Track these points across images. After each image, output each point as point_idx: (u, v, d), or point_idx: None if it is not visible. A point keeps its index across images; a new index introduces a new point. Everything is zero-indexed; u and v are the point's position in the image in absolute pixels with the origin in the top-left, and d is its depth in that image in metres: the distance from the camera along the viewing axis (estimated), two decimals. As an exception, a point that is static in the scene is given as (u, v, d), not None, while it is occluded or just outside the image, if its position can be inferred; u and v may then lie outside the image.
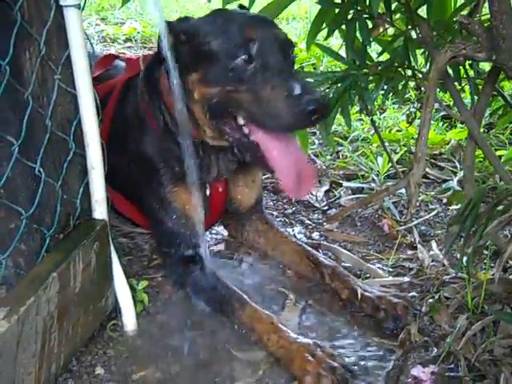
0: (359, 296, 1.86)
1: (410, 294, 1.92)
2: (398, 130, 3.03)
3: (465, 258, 1.61)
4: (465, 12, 1.76)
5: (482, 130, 2.89)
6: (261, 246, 2.18)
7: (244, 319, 1.79)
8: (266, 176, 2.67)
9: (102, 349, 1.72)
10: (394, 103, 3.24)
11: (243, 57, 1.65)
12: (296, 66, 3.76)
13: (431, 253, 2.15)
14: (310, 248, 2.07)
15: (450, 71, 1.81)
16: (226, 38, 1.68)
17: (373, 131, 2.74)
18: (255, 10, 1.80)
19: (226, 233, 2.30)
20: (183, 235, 1.96)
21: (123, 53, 2.64)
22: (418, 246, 2.17)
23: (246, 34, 1.67)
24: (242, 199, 2.14)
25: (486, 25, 1.51)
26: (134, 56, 2.41)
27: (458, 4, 1.82)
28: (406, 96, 3.36)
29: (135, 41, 4.81)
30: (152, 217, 2.06)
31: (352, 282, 1.91)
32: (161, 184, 1.96)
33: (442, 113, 3.13)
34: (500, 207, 1.29)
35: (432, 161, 2.82)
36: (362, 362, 1.69)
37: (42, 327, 1.44)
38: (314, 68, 3.88)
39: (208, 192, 1.99)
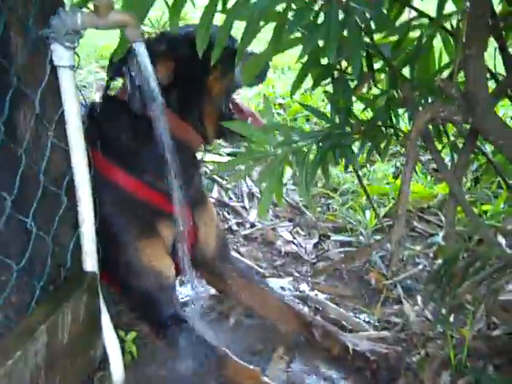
0: (351, 351, 1.88)
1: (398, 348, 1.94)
2: (387, 183, 3.08)
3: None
4: (446, 73, 1.83)
5: (468, 184, 2.95)
6: (247, 301, 2.16)
7: (229, 374, 1.80)
8: (255, 228, 2.72)
9: (89, 401, 1.73)
10: (382, 161, 3.29)
11: None
12: (289, 118, 3.86)
13: (416, 308, 2.17)
14: (296, 306, 2.07)
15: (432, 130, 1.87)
16: None
17: (361, 186, 2.78)
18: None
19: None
20: (156, 292, 1.95)
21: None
22: (403, 301, 2.20)
23: None
24: (205, 240, 2.12)
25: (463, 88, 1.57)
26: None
27: (440, 65, 1.88)
28: (395, 149, 3.44)
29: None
30: (120, 278, 2.02)
31: (342, 339, 1.92)
32: (124, 241, 1.96)
33: (432, 165, 3.18)
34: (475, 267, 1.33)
35: (419, 214, 2.86)
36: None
37: (29, 380, 1.46)
38: (307, 119, 3.93)
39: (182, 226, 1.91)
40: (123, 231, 1.93)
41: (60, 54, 1.51)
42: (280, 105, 4.28)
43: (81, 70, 2.66)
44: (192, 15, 3.52)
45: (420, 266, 2.46)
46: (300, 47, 1.41)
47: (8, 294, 1.52)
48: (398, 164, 3.23)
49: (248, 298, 2.16)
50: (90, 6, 1.49)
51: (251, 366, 1.79)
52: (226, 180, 3.08)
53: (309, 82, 1.77)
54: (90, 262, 1.75)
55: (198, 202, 2.08)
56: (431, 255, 2.53)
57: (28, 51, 1.45)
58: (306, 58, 1.72)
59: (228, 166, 1.84)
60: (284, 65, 5.37)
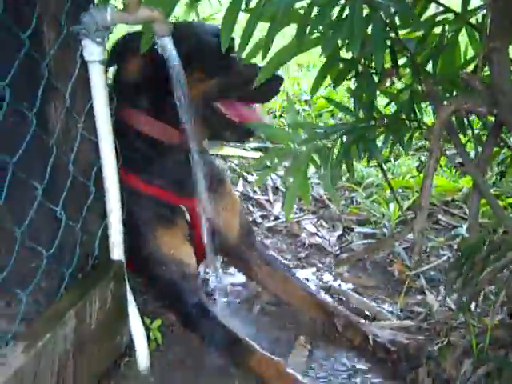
0: (371, 342, 1.90)
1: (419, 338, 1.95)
2: (411, 177, 3.09)
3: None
4: (471, 68, 1.84)
5: (494, 177, 2.94)
6: (271, 288, 2.20)
7: (252, 365, 1.83)
8: (280, 220, 2.75)
9: (115, 385, 1.78)
10: (406, 154, 3.30)
11: None
12: (315, 114, 3.88)
13: (439, 298, 2.19)
14: (320, 296, 2.10)
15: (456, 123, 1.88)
16: None
17: (385, 179, 2.80)
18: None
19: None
20: (179, 281, 1.99)
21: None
22: (426, 291, 2.21)
23: None
24: (226, 227, 2.15)
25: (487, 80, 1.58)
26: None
27: (465, 59, 1.89)
28: (419, 144, 3.45)
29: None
30: (144, 269, 2.07)
31: (364, 329, 1.94)
32: (142, 233, 2.01)
33: (457, 159, 3.18)
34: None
35: (444, 207, 2.87)
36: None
37: (57, 362, 1.51)
38: (332, 115, 3.96)
39: (188, 216, 2.01)
40: (143, 223, 1.99)
41: (90, 50, 1.55)
42: (306, 101, 4.30)
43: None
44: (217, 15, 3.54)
45: (444, 258, 2.47)
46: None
47: (38, 280, 1.57)
48: (422, 158, 3.23)
49: (272, 285, 2.19)
50: (118, 3, 1.53)
51: (275, 357, 1.81)
52: (252, 174, 3.11)
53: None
54: (117, 252, 1.79)
55: (212, 193, 2.06)
56: (455, 247, 2.54)
57: (60, 46, 1.49)
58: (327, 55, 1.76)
59: (256, 163, 1.87)
60: (309, 62, 5.40)
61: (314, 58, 5.37)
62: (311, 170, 1.89)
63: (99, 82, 1.59)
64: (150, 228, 1.99)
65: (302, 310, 2.10)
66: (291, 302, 2.14)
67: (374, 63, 1.72)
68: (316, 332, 2.04)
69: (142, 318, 1.88)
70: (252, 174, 3.07)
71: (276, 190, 3.04)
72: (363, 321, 2.00)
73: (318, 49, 1.56)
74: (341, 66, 1.76)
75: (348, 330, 1.96)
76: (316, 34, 1.53)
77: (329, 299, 2.12)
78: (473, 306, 2.03)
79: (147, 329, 1.91)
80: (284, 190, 3.04)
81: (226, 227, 2.17)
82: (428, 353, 1.86)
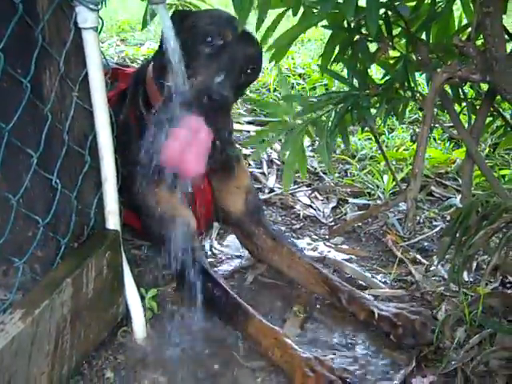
0: (376, 316, 1.90)
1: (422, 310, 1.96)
2: (405, 149, 3.10)
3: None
4: (465, 35, 1.84)
5: (487, 149, 2.96)
6: (275, 263, 2.20)
7: (250, 332, 1.85)
8: (274, 193, 2.76)
9: (112, 354, 1.79)
10: (401, 123, 3.31)
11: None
12: (309, 87, 3.89)
13: (432, 268, 2.21)
14: (324, 271, 2.09)
15: (450, 92, 1.89)
16: None
17: (380, 150, 2.81)
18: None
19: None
20: (175, 238, 1.99)
21: (127, 66, 2.71)
22: (408, 263, 2.25)
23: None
24: (229, 205, 2.18)
25: (482, 48, 1.58)
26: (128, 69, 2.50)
27: (459, 27, 1.89)
28: (415, 116, 3.45)
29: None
30: (144, 224, 2.14)
31: (368, 304, 1.95)
32: (144, 186, 2.05)
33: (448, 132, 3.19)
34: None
35: (437, 179, 2.88)
36: (365, 375, 1.75)
37: (55, 329, 1.52)
38: (327, 89, 3.95)
39: (190, 188, 2.00)
40: (143, 174, 2.01)
41: (84, 16, 1.54)
42: (300, 75, 4.30)
43: (102, 43, 2.69)
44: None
45: (437, 229, 2.49)
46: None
47: (34, 249, 1.58)
48: (417, 130, 3.23)
49: (277, 259, 2.19)
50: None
51: (274, 326, 1.83)
52: (246, 147, 3.10)
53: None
54: (113, 221, 1.80)
55: (218, 170, 2.11)
56: (448, 218, 2.55)
57: (53, 12, 1.48)
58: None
59: (253, 139, 1.88)
60: (303, 37, 5.39)
61: (309, 32, 5.36)
62: (305, 142, 1.89)
63: (93, 49, 1.58)
64: (152, 187, 2.04)
65: (307, 284, 2.11)
66: (295, 277, 2.15)
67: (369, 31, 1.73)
68: (311, 303, 2.06)
69: (138, 289, 1.89)
70: (247, 148, 3.06)
71: (271, 163, 3.05)
72: (367, 296, 2.00)
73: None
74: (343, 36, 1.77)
75: (352, 304, 1.96)
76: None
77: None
78: (465, 275, 2.06)
79: (143, 298, 1.92)
80: (278, 163, 3.05)
81: (231, 201, 2.19)
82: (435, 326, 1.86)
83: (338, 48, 1.80)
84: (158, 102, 1.93)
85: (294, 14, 1.58)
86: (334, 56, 1.81)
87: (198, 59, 1.85)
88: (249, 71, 1.91)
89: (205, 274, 1.98)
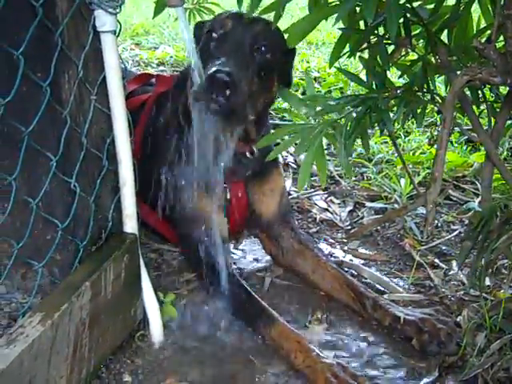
0: (402, 320, 1.88)
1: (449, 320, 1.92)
2: (421, 153, 3.08)
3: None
4: (484, 37, 1.82)
5: (505, 153, 2.94)
6: (300, 268, 2.19)
7: (273, 335, 1.84)
8: (290, 197, 2.75)
9: (130, 358, 1.79)
10: (419, 127, 3.29)
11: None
12: (324, 90, 3.88)
13: (451, 272, 2.19)
14: (349, 277, 2.08)
15: (469, 94, 1.87)
16: None
17: (397, 154, 2.80)
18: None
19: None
20: (208, 243, 2.03)
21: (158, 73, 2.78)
22: (427, 267, 2.23)
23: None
24: (262, 208, 2.19)
25: (502, 51, 1.57)
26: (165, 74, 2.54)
27: (477, 29, 1.87)
28: (431, 120, 3.43)
29: (168, 64, 4.94)
30: (178, 226, 2.15)
31: (393, 310, 1.93)
32: (184, 190, 2.06)
33: (466, 136, 3.17)
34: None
35: (455, 183, 2.86)
36: (386, 382, 1.74)
37: (74, 333, 1.52)
38: (342, 92, 3.95)
39: (228, 195, 2.07)
40: (185, 178, 2.06)
41: (103, 20, 1.55)
42: (315, 78, 4.29)
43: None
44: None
45: (455, 233, 2.47)
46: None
47: (53, 252, 1.58)
48: (435, 132, 3.22)
49: (302, 263, 2.18)
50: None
51: (296, 331, 1.82)
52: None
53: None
54: (130, 224, 1.80)
55: (255, 175, 2.14)
56: (466, 222, 2.53)
57: (72, 16, 1.48)
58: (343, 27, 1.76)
59: (271, 138, 1.87)
60: (318, 40, 5.40)
61: (323, 35, 5.36)
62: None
63: (112, 52, 1.59)
64: (190, 191, 2.05)
65: (332, 290, 2.09)
66: (319, 283, 2.13)
67: (387, 33, 1.71)
68: (330, 308, 2.04)
69: (155, 292, 1.89)
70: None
71: (286, 166, 3.04)
72: (390, 303, 1.98)
73: (328, 27, 1.57)
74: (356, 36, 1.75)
75: (377, 310, 1.95)
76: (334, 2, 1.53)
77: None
78: (487, 280, 2.04)
79: (161, 303, 1.92)
80: (294, 166, 3.04)
81: (264, 204, 2.20)
82: (461, 339, 1.83)
83: (348, 47, 1.79)
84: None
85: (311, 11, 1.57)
86: (342, 54, 1.80)
87: (208, 54, 1.86)
88: (263, 49, 1.88)
89: (231, 278, 2.00)
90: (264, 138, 1.89)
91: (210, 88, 1.72)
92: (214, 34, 1.89)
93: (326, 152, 3.01)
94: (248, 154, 2.06)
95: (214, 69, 1.72)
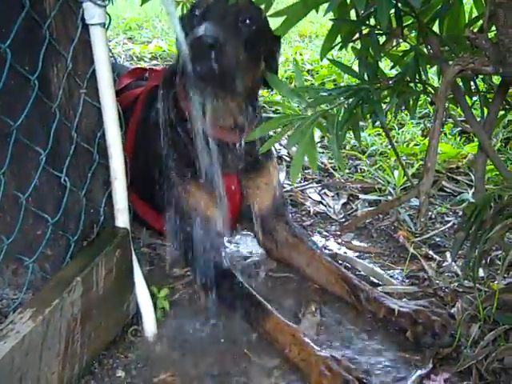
0: (396, 312, 1.87)
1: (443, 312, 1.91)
2: (415, 144, 3.08)
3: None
4: (476, 27, 1.81)
5: (499, 144, 2.93)
6: (294, 261, 2.18)
7: (267, 329, 1.83)
8: (284, 190, 2.74)
9: (123, 353, 1.78)
10: (412, 118, 3.29)
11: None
12: (317, 83, 3.87)
13: (445, 264, 2.19)
14: (344, 271, 2.07)
15: (461, 85, 1.86)
16: None
17: (390, 145, 2.79)
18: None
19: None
20: (203, 236, 2.02)
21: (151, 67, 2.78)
22: (421, 259, 2.23)
23: None
24: (256, 202, 2.17)
25: (494, 40, 1.56)
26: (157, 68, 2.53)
27: (469, 19, 1.86)
28: (425, 111, 3.43)
29: (161, 58, 4.93)
30: (170, 219, 2.12)
31: (388, 302, 1.92)
32: (177, 184, 2.06)
33: (460, 127, 3.17)
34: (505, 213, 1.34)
35: (449, 174, 2.85)
36: (381, 375, 1.73)
37: (65, 328, 1.51)
38: (335, 84, 3.94)
39: (222, 189, 2.03)
40: (177, 172, 2.07)
41: (91, 12, 1.52)
42: (308, 71, 4.28)
43: (109, 41, 2.72)
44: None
45: (449, 224, 2.47)
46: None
47: (44, 248, 1.57)
48: (428, 124, 3.21)
49: (296, 256, 2.17)
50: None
51: (291, 324, 1.82)
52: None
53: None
54: (122, 219, 1.78)
55: (249, 169, 2.13)
56: (460, 213, 2.53)
57: (60, 8, 1.47)
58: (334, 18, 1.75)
59: (264, 129, 1.85)
60: (311, 33, 5.39)
61: (316, 28, 5.35)
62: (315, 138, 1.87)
63: (101, 45, 1.56)
64: (183, 184, 2.06)
65: (326, 283, 2.08)
66: (314, 276, 2.12)
67: (379, 24, 1.70)
68: (325, 301, 2.04)
69: (148, 287, 1.87)
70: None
71: (280, 159, 3.02)
72: (385, 295, 1.97)
73: (321, 19, 1.56)
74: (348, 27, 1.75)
75: (372, 303, 1.94)
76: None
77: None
78: (480, 271, 2.04)
79: (153, 297, 1.91)
80: (288, 159, 3.04)
81: (259, 197, 2.18)
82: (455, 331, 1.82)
83: (339, 38, 1.78)
84: (186, 101, 1.95)
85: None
86: (334, 46, 1.79)
87: (191, 29, 1.81)
88: (247, 21, 1.84)
89: (225, 271, 2.00)
90: (257, 129, 1.88)
91: (197, 53, 1.69)
92: (197, 12, 1.87)
93: (319, 145, 3.06)
94: (241, 144, 2.04)
95: (198, 34, 1.67)
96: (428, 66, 1.82)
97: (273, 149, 2.36)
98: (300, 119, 1.73)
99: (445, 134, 3.14)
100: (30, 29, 1.41)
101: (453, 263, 2.17)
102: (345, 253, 2.31)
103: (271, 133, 1.99)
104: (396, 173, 2.71)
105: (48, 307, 1.44)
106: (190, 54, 1.68)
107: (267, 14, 1.80)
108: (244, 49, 1.82)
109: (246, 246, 2.37)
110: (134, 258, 1.83)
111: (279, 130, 1.82)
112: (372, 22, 1.77)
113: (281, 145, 3.13)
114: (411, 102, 1.87)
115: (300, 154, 1.72)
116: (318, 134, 2.67)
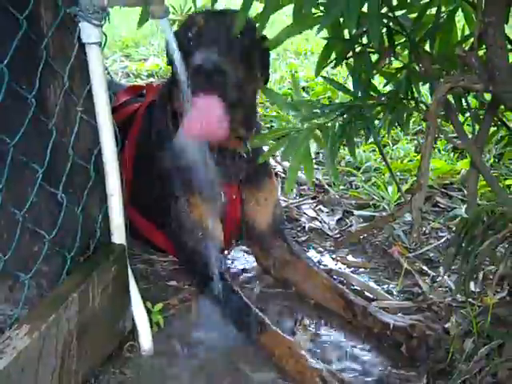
0: (391, 326, 1.89)
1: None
2: (409, 160, 3.10)
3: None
4: (467, 45, 1.84)
5: (492, 159, 2.96)
6: (291, 278, 2.19)
7: (264, 341, 1.85)
8: (280, 205, 2.76)
9: (119, 368, 1.79)
10: (406, 134, 3.32)
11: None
12: (313, 99, 3.89)
13: (439, 279, 2.20)
14: (340, 285, 2.09)
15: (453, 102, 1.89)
16: None
17: (384, 161, 2.81)
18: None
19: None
20: (203, 249, 2.06)
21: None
22: (415, 274, 2.25)
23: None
24: (256, 216, 2.20)
25: (483, 57, 1.59)
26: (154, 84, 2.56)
27: (461, 37, 1.89)
28: (418, 128, 3.46)
29: (158, 76, 4.96)
30: (173, 234, 2.17)
31: (383, 317, 1.94)
32: (177, 196, 2.10)
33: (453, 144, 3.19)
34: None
35: (442, 190, 2.87)
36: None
37: (61, 345, 1.52)
38: (330, 101, 3.96)
39: (223, 199, 2.08)
40: (177, 185, 2.12)
41: (88, 32, 1.55)
42: (303, 88, 4.31)
43: (106, 59, 2.74)
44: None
45: (442, 240, 2.48)
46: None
47: (40, 264, 1.58)
48: (422, 140, 3.23)
49: (293, 273, 2.19)
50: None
51: (287, 336, 1.84)
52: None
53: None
54: (118, 235, 1.80)
55: (249, 181, 2.16)
56: (453, 228, 2.54)
57: (57, 28, 1.49)
58: (328, 36, 1.77)
59: (264, 139, 1.88)
60: (307, 50, 5.43)
61: (312, 45, 5.40)
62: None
63: (97, 64, 1.59)
64: (184, 197, 2.10)
65: (323, 299, 2.09)
66: (310, 292, 2.14)
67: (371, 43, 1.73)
68: (319, 315, 2.05)
69: (144, 303, 1.88)
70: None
71: (275, 175, 3.04)
72: (380, 310, 1.99)
73: (316, 37, 1.59)
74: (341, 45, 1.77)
75: (367, 318, 1.95)
76: (317, 14, 1.54)
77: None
78: (472, 285, 2.05)
79: (150, 313, 1.91)
80: (283, 175, 3.05)
81: (258, 213, 2.21)
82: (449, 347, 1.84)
83: (333, 55, 1.81)
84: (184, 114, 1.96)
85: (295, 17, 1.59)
86: (328, 64, 1.82)
87: (187, 52, 1.86)
88: (240, 36, 1.88)
89: (224, 284, 2.01)
90: (257, 137, 1.91)
91: (198, 81, 1.75)
92: (189, 33, 1.92)
93: (314, 161, 3.08)
94: (242, 152, 2.08)
95: (198, 63, 1.75)
96: (421, 84, 1.85)
97: (272, 165, 2.38)
98: (296, 131, 1.75)
99: (438, 149, 3.16)
100: (28, 48, 1.43)
101: (446, 278, 2.18)
102: (340, 268, 2.33)
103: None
104: (390, 189, 2.73)
105: (44, 323, 1.45)
106: (192, 83, 1.76)
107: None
108: (241, 64, 1.90)
109: (241, 261, 2.38)
110: (130, 273, 1.84)
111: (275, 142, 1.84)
112: (365, 40, 1.80)
113: (276, 161, 3.14)
114: (404, 119, 1.89)
115: (295, 166, 1.74)
116: (312, 149, 2.68)
